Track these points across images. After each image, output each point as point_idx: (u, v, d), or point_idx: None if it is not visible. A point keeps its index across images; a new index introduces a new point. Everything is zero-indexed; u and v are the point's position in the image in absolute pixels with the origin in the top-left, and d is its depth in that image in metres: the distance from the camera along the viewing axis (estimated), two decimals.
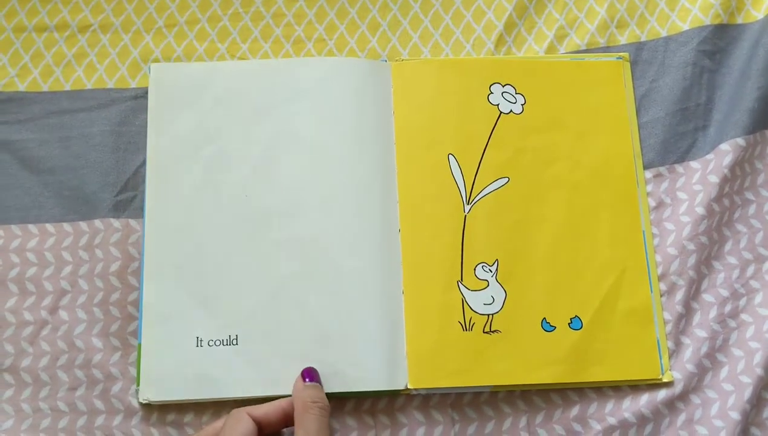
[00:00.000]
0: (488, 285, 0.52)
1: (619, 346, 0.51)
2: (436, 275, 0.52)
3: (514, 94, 0.56)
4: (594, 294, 0.52)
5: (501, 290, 0.52)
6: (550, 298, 0.52)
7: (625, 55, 0.58)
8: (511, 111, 0.56)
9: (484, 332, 0.51)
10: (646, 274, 0.53)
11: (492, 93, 0.56)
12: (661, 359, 0.51)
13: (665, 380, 0.51)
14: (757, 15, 0.59)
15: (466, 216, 0.53)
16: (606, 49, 0.58)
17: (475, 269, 0.52)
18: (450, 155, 0.54)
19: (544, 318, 0.51)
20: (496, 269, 0.52)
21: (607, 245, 0.53)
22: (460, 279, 0.52)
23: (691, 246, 0.53)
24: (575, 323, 0.52)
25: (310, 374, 0.49)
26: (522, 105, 0.56)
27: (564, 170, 0.54)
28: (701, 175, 0.55)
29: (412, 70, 0.56)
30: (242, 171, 0.53)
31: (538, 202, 0.54)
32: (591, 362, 0.51)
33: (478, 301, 0.52)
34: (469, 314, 0.51)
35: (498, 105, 0.56)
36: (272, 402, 0.47)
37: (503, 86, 0.56)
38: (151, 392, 0.50)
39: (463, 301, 0.52)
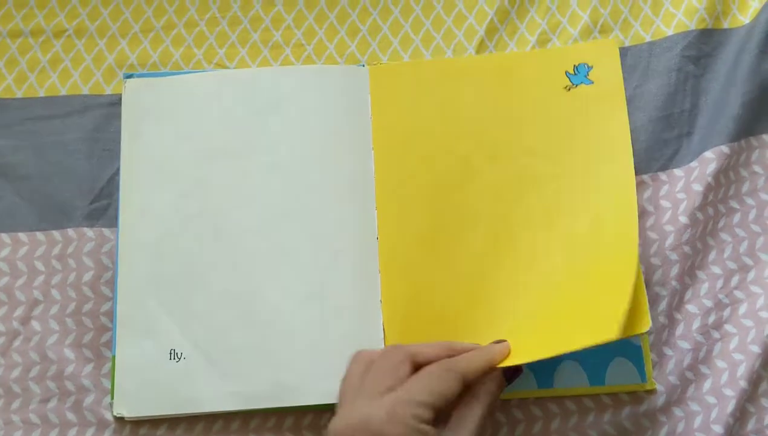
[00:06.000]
0: None
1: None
2: (415, 285, 0.51)
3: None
4: (574, 300, 0.51)
5: None
6: (529, 306, 0.51)
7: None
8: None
9: None
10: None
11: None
12: (643, 367, 0.50)
13: (648, 387, 0.50)
14: (743, 20, 0.58)
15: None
16: None
17: None
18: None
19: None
20: None
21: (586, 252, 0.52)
22: None
23: (674, 256, 0.53)
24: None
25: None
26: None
27: (540, 175, 0.53)
28: (685, 183, 0.54)
29: (389, 74, 0.55)
30: (217, 182, 0.53)
31: (518, 208, 0.53)
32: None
33: None
34: None
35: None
36: (437, 343, 0.45)
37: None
38: (125, 407, 0.49)
39: None
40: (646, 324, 0.46)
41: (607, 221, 0.51)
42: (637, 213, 0.49)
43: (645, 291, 0.50)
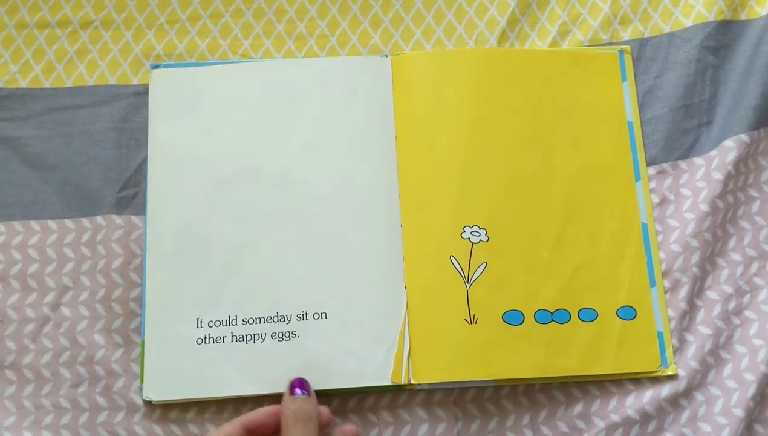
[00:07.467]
0: None
1: (619, 340, 0.51)
2: (439, 272, 0.52)
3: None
4: (593, 289, 0.52)
5: None
6: (550, 293, 0.52)
7: (627, 48, 0.58)
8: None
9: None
10: (646, 269, 0.53)
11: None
12: (664, 352, 0.51)
13: (669, 372, 0.51)
14: (761, 11, 0.59)
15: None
16: (609, 45, 0.58)
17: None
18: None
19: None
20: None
21: (605, 240, 0.53)
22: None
23: (695, 243, 0.53)
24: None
25: (298, 385, 0.48)
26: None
27: (560, 164, 0.54)
28: (705, 171, 0.55)
29: (412, 64, 0.56)
30: (244, 171, 0.54)
31: (541, 198, 0.54)
32: (592, 356, 0.51)
33: None
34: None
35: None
36: (263, 408, 0.47)
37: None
38: (154, 391, 0.50)
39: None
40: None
41: (614, 217, 0.53)
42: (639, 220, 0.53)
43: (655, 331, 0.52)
